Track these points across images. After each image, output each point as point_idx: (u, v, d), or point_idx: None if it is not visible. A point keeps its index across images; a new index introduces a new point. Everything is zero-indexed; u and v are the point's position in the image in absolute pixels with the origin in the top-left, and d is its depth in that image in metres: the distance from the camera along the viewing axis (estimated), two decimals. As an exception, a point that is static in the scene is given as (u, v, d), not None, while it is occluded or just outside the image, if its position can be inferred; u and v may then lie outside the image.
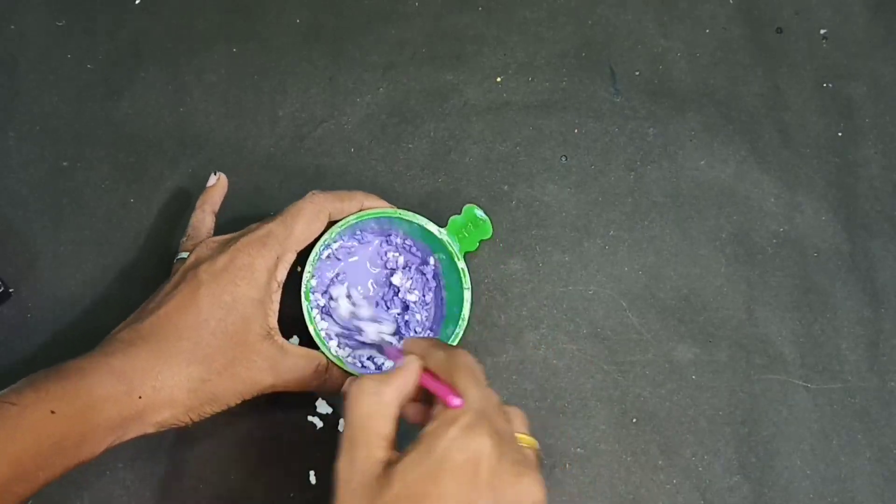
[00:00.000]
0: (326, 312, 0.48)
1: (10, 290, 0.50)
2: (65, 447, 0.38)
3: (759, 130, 0.55)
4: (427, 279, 0.49)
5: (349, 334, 0.47)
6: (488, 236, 0.48)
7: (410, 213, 0.47)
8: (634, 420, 0.49)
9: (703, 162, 0.54)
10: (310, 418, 0.48)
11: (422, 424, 0.35)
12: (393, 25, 0.56)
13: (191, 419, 0.41)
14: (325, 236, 0.46)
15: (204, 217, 0.47)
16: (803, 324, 0.51)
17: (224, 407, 0.42)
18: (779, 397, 0.49)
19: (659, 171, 0.54)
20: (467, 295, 0.46)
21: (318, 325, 0.46)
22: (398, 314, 0.49)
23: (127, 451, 0.47)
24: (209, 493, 0.47)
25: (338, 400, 0.47)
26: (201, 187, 0.51)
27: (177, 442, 0.47)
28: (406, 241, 0.49)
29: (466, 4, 0.57)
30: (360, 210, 0.46)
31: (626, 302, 0.51)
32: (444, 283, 0.49)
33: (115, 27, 0.55)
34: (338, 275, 0.49)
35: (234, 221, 0.49)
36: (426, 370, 0.37)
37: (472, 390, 0.35)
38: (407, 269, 0.49)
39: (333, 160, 0.53)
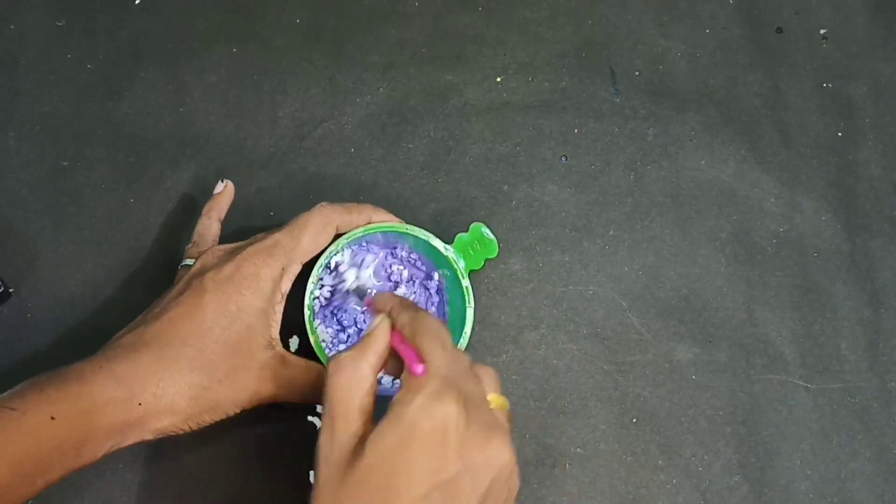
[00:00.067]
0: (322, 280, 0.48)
1: (10, 290, 0.50)
2: (64, 451, 0.38)
3: (759, 130, 0.55)
4: (430, 294, 0.49)
5: (333, 294, 0.47)
6: (494, 255, 0.49)
7: (418, 229, 0.47)
8: (634, 420, 0.49)
9: (703, 162, 0.54)
10: (310, 418, 0.48)
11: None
12: (393, 25, 0.56)
13: (190, 427, 0.41)
14: (331, 248, 0.45)
15: (210, 224, 0.47)
16: (803, 324, 0.51)
17: (223, 416, 0.42)
18: (779, 397, 0.49)
19: (659, 171, 0.54)
20: (470, 312, 0.46)
21: (319, 336, 0.46)
22: None
23: (127, 452, 0.46)
24: (209, 493, 0.47)
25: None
26: (202, 188, 0.52)
27: (177, 442, 0.47)
28: (411, 255, 0.49)
29: (466, 4, 0.57)
30: (369, 223, 0.46)
31: (626, 302, 0.51)
32: (448, 299, 0.48)
33: (115, 27, 0.55)
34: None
35: (233, 222, 0.49)
36: (394, 330, 0.37)
37: (437, 355, 0.34)
38: (411, 282, 0.49)
39: (333, 160, 0.53)
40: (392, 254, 0.49)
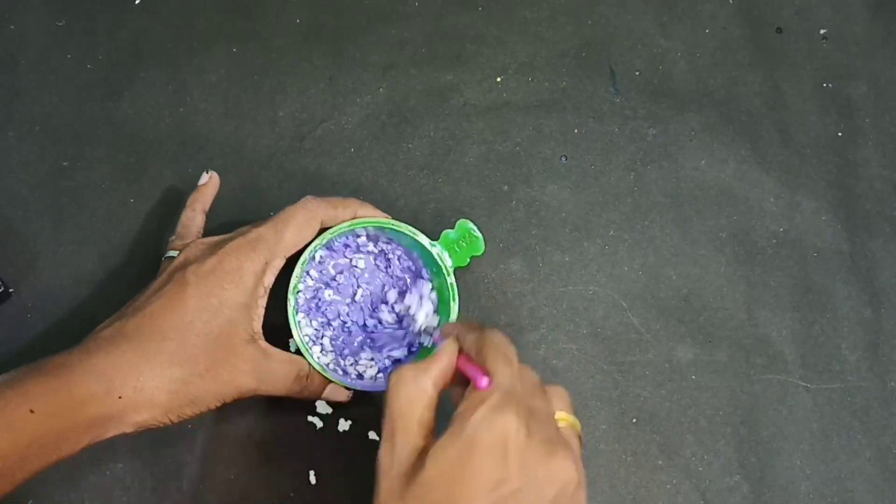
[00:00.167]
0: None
1: (10, 290, 0.50)
2: (43, 445, 0.38)
3: (759, 130, 0.55)
4: (423, 292, 0.49)
5: (385, 330, 0.48)
6: (480, 253, 0.48)
7: (403, 225, 0.47)
8: (634, 420, 0.49)
9: (703, 162, 0.54)
10: (310, 418, 0.48)
11: None
12: (393, 25, 0.56)
13: (170, 420, 0.41)
14: (316, 243, 0.45)
15: (194, 216, 0.47)
16: (803, 324, 0.51)
17: (204, 409, 0.42)
18: (779, 397, 0.49)
19: (659, 171, 0.54)
20: (454, 308, 0.46)
21: (302, 331, 0.46)
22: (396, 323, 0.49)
23: (128, 452, 0.47)
24: (209, 493, 0.47)
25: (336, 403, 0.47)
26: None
27: (177, 442, 0.47)
28: (396, 250, 0.49)
29: (466, 4, 0.57)
30: (354, 218, 0.46)
31: (626, 302, 0.51)
32: (437, 299, 0.49)
33: (115, 27, 0.55)
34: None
35: (233, 221, 0.49)
36: (462, 353, 0.37)
37: (501, 369, 0.35)
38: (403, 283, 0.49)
39: (333, 160, 0.53)
40: (385, 256, 0.49)
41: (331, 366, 0.46)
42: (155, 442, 0.47)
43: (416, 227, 0.47)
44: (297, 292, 0.46)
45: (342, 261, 0.49)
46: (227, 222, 0.50)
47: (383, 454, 0.34)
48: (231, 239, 0.43)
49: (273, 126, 0.54)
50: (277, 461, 0.47)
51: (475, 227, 0.48)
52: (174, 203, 0.52)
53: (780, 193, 0.54)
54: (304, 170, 0.53)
